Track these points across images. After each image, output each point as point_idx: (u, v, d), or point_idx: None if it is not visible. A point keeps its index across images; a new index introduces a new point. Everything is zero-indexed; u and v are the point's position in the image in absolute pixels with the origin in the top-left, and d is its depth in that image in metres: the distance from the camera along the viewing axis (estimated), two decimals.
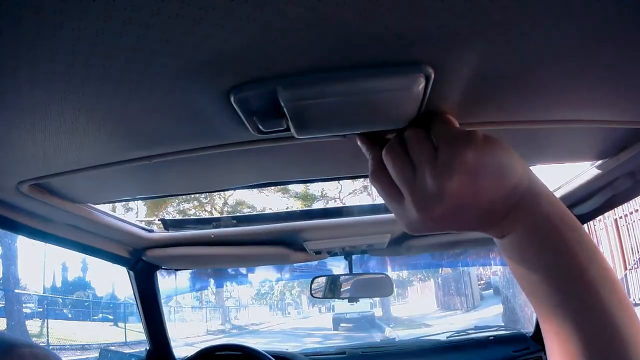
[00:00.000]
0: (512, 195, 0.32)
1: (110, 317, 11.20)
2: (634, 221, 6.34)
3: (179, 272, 1.29)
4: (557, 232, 0.31)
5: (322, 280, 1.25)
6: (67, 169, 0.49)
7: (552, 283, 0.30)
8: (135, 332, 8.82)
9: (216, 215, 7.57)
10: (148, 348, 1.25)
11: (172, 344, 1.28)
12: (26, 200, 0.58)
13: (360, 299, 1.25)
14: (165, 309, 1.29)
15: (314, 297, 1.26)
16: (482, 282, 12.89)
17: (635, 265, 6.27)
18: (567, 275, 0.30)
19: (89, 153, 0.44)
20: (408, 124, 0.37)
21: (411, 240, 1.03)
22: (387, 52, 0.29)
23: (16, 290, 8.37)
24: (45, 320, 8.67)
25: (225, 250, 1.01)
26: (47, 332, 8.25)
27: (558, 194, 0.84)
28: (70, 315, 10.58)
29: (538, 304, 0.32)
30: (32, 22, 0.23)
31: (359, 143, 0.39)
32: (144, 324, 1.22)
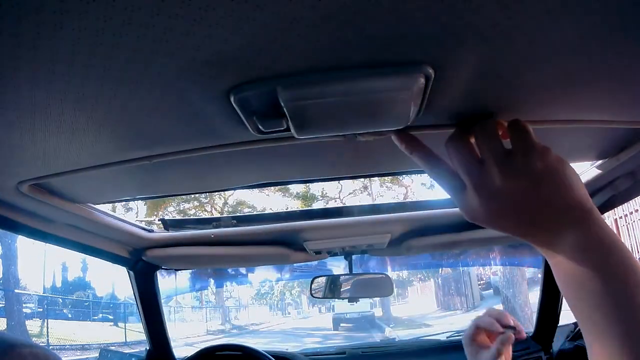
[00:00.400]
0: (570, 215, 0.33)
1: (110, 317, 11.20)
2: (634, 221, 6.34)
3: (179, 272, 1.29)
4: (606, 256, 0.32)
5: (322, 280, 1.25)
6: (67, 169, 0.49)
7: (599, 306, 0.31)
8: (135, 332, 8.82)
9: (216, 215, 7.57)
10: (148, 348, 1.25)
11: (172, 344, 1.28)
12: (26, 200, 0.58)
13: (360, 299, 1.24)
14: (165, 309, 1.29)
15: (314, 297, 1.26)
16: (482, 282, 12.89)
17: None
18: (614, 300, 0.30)
19: (89, 153, 0.44)
20: (462, 123, 0.38)
21: (411, 240, 1.03)
22: (387, 52, 0.29)
23: (16, 290, 8.37)
24: (45, 320, 8.67)
25: (225, 250, 1.01)
26: (47, 332, 8.26)
27: None
28: (70, 315, 10.58)
29: (585, 326, 0.32)
30: (32, 22, 0.23)
31: (396, 142, 0.40)
32: (144, 324, 1.22)
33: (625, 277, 0.31)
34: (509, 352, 0.60)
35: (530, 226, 0.35)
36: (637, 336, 0.29)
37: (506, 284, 6.65)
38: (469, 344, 0.62)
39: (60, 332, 8.57)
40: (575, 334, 1.21)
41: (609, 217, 6.53)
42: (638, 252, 6.25)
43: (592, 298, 0.31)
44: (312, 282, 1.27)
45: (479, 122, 0.37)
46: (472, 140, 0.37)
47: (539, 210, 0.34)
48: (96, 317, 11.03)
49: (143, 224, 0.98)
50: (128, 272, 1.13)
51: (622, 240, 0.33)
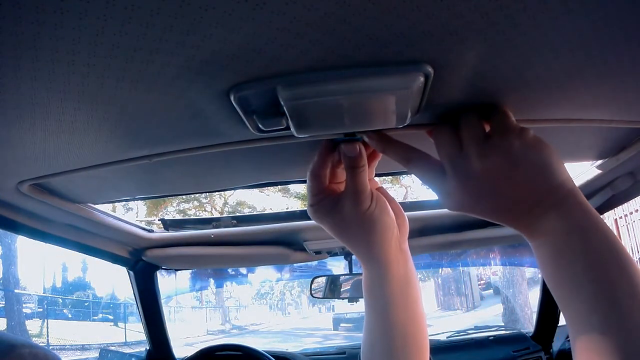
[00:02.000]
0: (550, 197, 0.33)
1: (110, 317, 11.20)
2: (634, 221, 6.34)
3: (179, 272, 1.29)
4: (587, 240, 0.31)
5: (322, 280, 1.25)
6: (67, 169, 0.49)
7: (580, 292, 0.30)
8: (135, 332, 8.82)
9: (216, 215, 7.57)
10: (148, 348, 1.25)
11: (172, 344, 1.28)
12: (26, 200, 0.58)
13: (360, 299, 1.25)
14: (165, 309, 1.29)
15: (314, 297, 1.26)
16: (482, 282, 12.89)
17: None
18: (595, 286, 0.29)
19: (89, 153, 0.44)
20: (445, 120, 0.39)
21: (411, 241, 1.03)
22: (386, 51, 0.29)
23: (16, 290, 8.37)
24: (45, 320, 8.67)
25: (225, 250, 1.01)
26: (47, 332, 8.26)
27: None
28: (70, 315, 10.58)
29: (568, 314, 0.31)
30: (32, 22, 0.23)
31: (367, 140, 0.40)
32: (144, 324, 1.22)
33: (607, 263, 0.30)
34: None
35: (509, 209, 0.35)
36: (620, 326, 0.28)
37: (506, 284, 6.65)
38: None
39: (60, 332, 8.57)
40: None
41: (609, 217, 6.53)
42: (638, 252, 6.25)
43: (573, 283, 0.31)
44: (312, 282, 1.27)
45: (462, 115, 0.37)
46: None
47: (518, 192, 0.34)
48: (96, 317, 11.03)
49: (143, 224, 0.98)
50: (128, 272, 1.13)
51: (605, 224, 0.32)
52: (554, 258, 0.32)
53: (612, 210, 0.88)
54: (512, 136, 0.34)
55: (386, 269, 0.43)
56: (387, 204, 0.44)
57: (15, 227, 0.66)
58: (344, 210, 0.42)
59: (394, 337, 0.43)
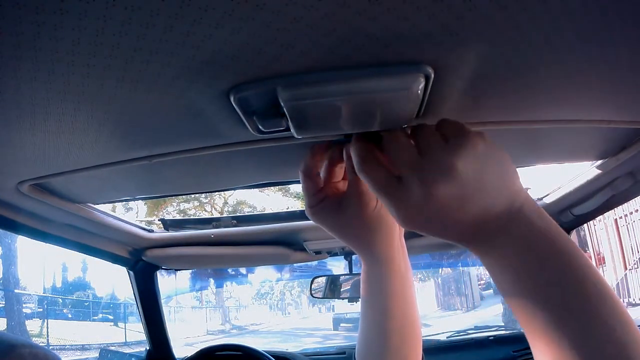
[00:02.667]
0: (509, 204, 0.31)
1: (110, 317, 11.20)
2: (634, 221, 6.34)
3: (179, 272, 1.29)
4: (552, 248, 0.30)
5: (322, 280, 1.25)
6: (67, 169, 0.49)
7: (550, 303, 0.29)
8: (135, 332, 8.82)
9: (216, 215, 7.57)
10: (148, 348, 1.25)
11: (172, 344, 1.28)
12: (26, 200, 0.58)
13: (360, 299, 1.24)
14: (165, 309, 1.29)
15: (314, 297, 1.26)
16: (482, 282, 12.88)
17: (635, 265, 6.27)
18: (564, 293, 0.28)
19: (89, 153, 0.44)
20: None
21: (411, 240, 1.03)
22: (386, 52, 0.29)
23: (16, 290, 8.37)
24: (45, 320, 8.67)
25: (225, 250, 1.01)
26: (47, 332, 8.26)
27: (558, 194, 0.84)
28: (70, 315, 10.58)
29: (531, 326, 0.30)
30: (32, 22, 0.23)
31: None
32: (144, 324, 1.22)
33: (571, 269, 0.29)
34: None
35: (459, 234, 0.32)
36: (588, 330, 0.27)
37: None
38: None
39: (60, 332, 8.57)
40: None
41: (609, 217, 6.53)
42: (638, 252, 6.25)
43: (538, 294, 0.29)
44: (312, 282, 1.27)
45: (384, 135, 0.34)
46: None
47: (483, 194, 0.31)
48: (96, 317, 11.03)
49: (143, 224, 0.98)
50: (128, 272, 1.13)
51: (564, 232, 0.31)
52: (515, 268, 0.31)
53: (612, 210, 0.88)
54: (473, 134, 0.31)
55: (388, 265, 0.43)
56: None
57: (15, 227, 0.66)
58: (348, 211, 0.41)
59: (391, 336, 0.43)
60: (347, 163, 0.40)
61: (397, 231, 0.43)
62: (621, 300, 0.30)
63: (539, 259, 0.30)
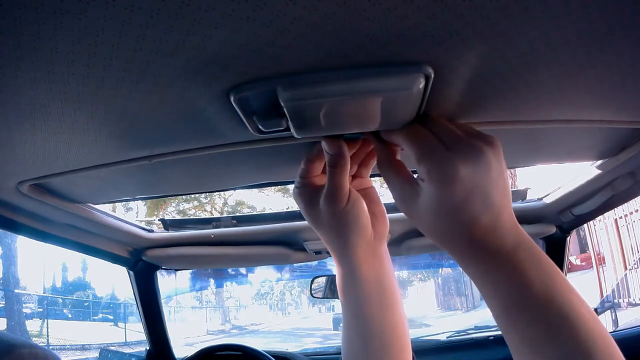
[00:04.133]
0: (505, 213, 0.33)
1: (110, 317, 11.20)
2: (634, 221, 6.34)
3: (179, 272, 1.29)
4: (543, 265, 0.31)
5: (322, 280, 1.25)
6: (67, 169, 0.49)
7: (535, 318, 0.30)
8: (135, 332, 8.82)
9: (216, 215, 7.58)
10: (148, 348, 1.25)
11: (172, 344, 1.28)
12: (26, 200, 0.58)
13: None
14: (165, 309, 1.29)
15: (314, 297, 1.26)
16: None
17: (635, 265, 6.26)
18: (546, 315, 0.29)
19: (89, 153, 0.44)
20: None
21: (411, 240, 1.03)
22: (386, 52, 0.29)
23: (16, 290, 8.37)
24: (45, 320, 8.67)
25: (225, 250, 1.01)
26: (47, 332, 8.26)
27: (558, 194, 0.84)
28: (70, 315, 10.58)
29: (515, 341, 0.31)
30: (32, 22, 0.23)
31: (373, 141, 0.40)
32: (144, 324, 1.22)
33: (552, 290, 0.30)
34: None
35: (478, 221, 0.33)
36: (566, 349, 0.28)
37: None
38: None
39: (60, 332, 8.57)
40: None
41: (609, 217, 6.53)
42: (638, 252, 6.24)
43: (530, 305, 0.30)
44: (312, 282, 1.27)
45: (405, 131, 0.36)
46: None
47: (492, 195, 0.32)
48: (96, 317, 11.03)
49: (143, 224, 0.98)
50: (128, 272, 1.13)
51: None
52: (516, 273, 0.31)
53: (612, 210, 0.88)
54: (491, 137, 0.33)
55: (356, 269, 0.43)
56: (364, 206, 0.43)
57: (15, 227, 0.66)
58: (320, 205, 0.41)
59: (370, 337, 0.43)
60: (326, 158, 0.40)
61: (367, 238, 0.43)
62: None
63: (531, 293, 0.30)
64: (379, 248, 0.45)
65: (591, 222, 4.52)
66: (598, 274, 7.05)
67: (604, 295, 6.63)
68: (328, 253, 1.13)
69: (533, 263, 0.31)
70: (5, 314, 7.81)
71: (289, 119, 0.34)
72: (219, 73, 0.30)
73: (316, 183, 0.43)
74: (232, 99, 0.33)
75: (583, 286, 6.53)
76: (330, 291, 1.24)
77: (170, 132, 0.41)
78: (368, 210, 0.43)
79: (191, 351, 1.27)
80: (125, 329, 9.73)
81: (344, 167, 0.40)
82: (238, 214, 1.55)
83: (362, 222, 0.42)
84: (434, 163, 0.32)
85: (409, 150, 0.35)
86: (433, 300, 14.44)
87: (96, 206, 0.73)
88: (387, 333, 0.43)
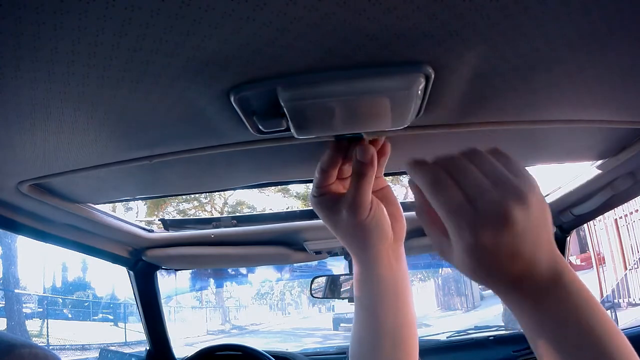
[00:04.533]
0: (553, 263, 0.30)
1: (110, 317, 11.19)
2: (634, 221, 6.34)
3: (179, 272, 1.29)
4: (589, 304, 0.30)
5: (322, 280, 1.25)
6: (67, 169, 0.49)
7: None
8: (135, 332, 8.82)
9: (216, 215, 7.58)
10: (148, 348, 1.25)
11: (172, 344, 1.28)
12: (26, 200, 0.58)
13: None
14: (165, 309, 1.29)
15: (314, 297, 1.25)
16: None
17: (635, 265, 6.26)
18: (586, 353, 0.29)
19: (89, 153, 0.44)
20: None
21: (411, 241, 1.03)
22: (386, 52, 0.29)
23: (16, 290, 8.38)
24: (45, 320, 8.67)
25: (225, 250, 1.01)
26: (47, 332, 8.25)
27: (558, 194, 0.84)
28: (70, 315, 10.58)
29: None
30: (32, 22, 0.23)
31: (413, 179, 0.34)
32: (144, 324, 1.22)
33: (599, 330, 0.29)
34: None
35: (528, 262, 0.30)
36: None
37: None
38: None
39: (60, 332, 8.57)
40: None
41: (609, 217, 6.53)
42: (638, 252, 6.25)
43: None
44: (312, 282, 1.26)
45: (450, 163, 0.31)
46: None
47: (539, 240, 0.29)
48: (96, 317, 11.03)
49: (143, 224, 0.98)
50: (128, 272, 1.13)
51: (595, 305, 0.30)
52: (564, 314, 0.30)
53: (612, 210, 0.88)
54: (525, 175, 0.29)
55: (374, 270, 0.43)
56: (385, 212, 0.42)
57: (15, 227, 0.66)
58: (341, 214, 0.41)
59: (383, 336, 0.43)
60: (354, 165, 0.39)
61: (388, 243, 0.43)
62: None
63: (574, 326, 0.29)
64: (398, 249, 0.44)
65: (591, 222, 4.51)
66: (598, 274, 7.05)
67: (604, 295, 6.62)
68: (328, 253, 1.13)
69: (572, 294, 0.30)
70: (5, 314, 7.81)
71: (289, 119, 0.34)
72: (219, 73, 0.30)
73: (333, 190, 0.42)
74: (232, 99, 0.33)
75: None
76: (330, 291, 1.24)
77: (170, 132, 0.41)
78: (387, 213, 0.42)
79: (191, 351, 1.27)
80: (125, 329, 9.73)
81: (371, 177, 0.38)
82: (238, 214, 1.55)
83: (384, 229, 0.42)
84: (462, 228, 0.29)
85: (430, 199, 0.31)
86: (433, 300, 14.45)
87: (96, 206, 0.73)
88: (399, 333, 0.43)
